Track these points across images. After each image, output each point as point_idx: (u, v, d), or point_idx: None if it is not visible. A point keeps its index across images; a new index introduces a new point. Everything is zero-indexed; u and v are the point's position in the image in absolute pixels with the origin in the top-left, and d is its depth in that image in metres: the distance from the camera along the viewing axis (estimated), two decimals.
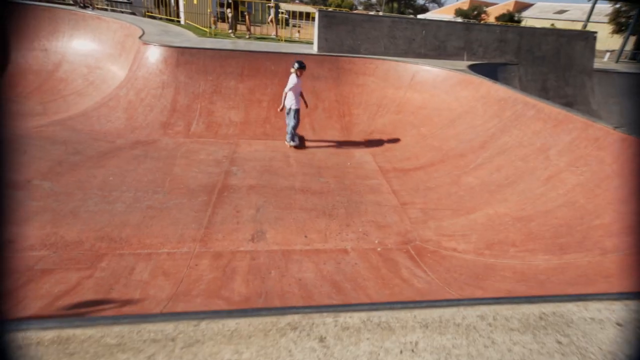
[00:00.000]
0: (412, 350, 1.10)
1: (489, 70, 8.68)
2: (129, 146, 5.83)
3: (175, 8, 13.57)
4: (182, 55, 7.57)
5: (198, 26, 11.36)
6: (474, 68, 8.26)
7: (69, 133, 6.15)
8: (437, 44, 9.15)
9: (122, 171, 4.96)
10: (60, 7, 11.32)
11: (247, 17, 10.74)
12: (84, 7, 11.97)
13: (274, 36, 11.30)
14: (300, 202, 4.61)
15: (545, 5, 46.23)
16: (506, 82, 8.76)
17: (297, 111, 6.23)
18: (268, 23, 11.86)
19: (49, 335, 0.97)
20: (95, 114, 7.02)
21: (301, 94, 6.37)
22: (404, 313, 1.26)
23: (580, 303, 1.41)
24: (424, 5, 47.93)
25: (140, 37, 8.20)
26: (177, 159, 5.52)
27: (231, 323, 1.09)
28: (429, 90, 7.48)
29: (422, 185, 5.17)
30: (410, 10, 44.29)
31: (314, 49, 8.95)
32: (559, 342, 1.18)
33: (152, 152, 5.70)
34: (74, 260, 3.23)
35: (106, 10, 13.44)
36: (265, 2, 13.34)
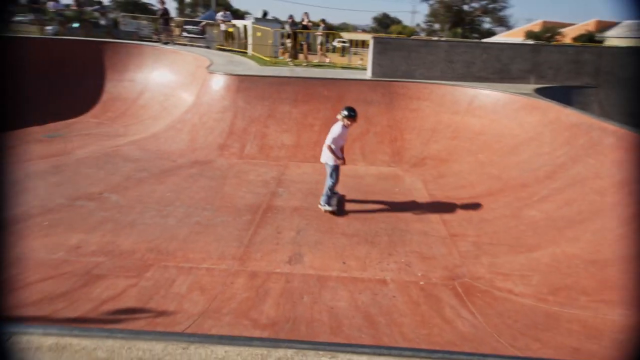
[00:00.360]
0: None
1: (561, 94, 7.92)
2: (188, 165, 6.27)
3: (244, 41, 14.78)
4: (242, 83, 8.11)
5: (261, 56, 12.18)
6: (542, 92, 7.61)
7: (140, 152, 6.83)
8: (499, 67, 8.65)
9: (178, 188, 5.32)
10: (147, 44, 12.98)
11: (304, 46, 11.27)
12: (166, 43, 13.56)
13: (328, 63, 11.66)
14: (342, 227, 4.50)
15: (634, 23, 41.64)
16: (583, 107, 7.90)
17: (336, 168, 4.83)
18: (319, 51, 12.28)
19: (48, 341, 1.01)
20: (163, 135, 7.74)
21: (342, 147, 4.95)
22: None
23: None
24: (490, 29, 46.16)
25: (207, 67, 8.99)
26: (228, 179, 5.80)
27: (220, 350, 1.03)
28: (488, 115, 7.02)
29: (477, 216, 4.75)
30: (476, 35, 42.92)
31: (368, 75, 9.01)
32: None
33: (207, 172, 6.06)
34: (124, 268, 3.46)
35: (185, 45, 15.06)
36: (318, 33, 13.93)
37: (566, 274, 3.37)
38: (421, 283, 3.50)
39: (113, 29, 15.20)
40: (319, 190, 5.50)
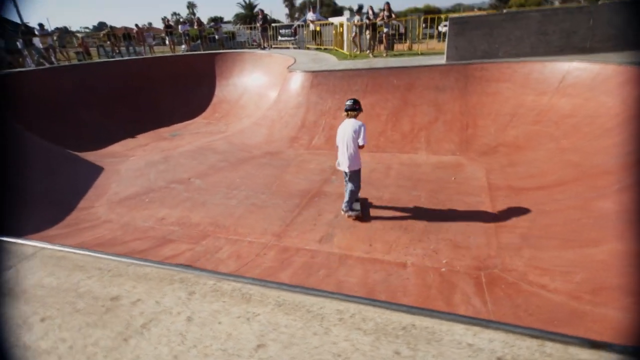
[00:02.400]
0: (248, 319, 1.20)
1: None
2: (260, 156, 7.14)
3: (333, 38, 15.39)
4: (315, 78, 8.66)
5: (342, 51, 12.57)
6: None
7: (226, 146, 8.03)
8: (613, 32, 7.13)
9: (247, 175, 6.17)
10: (247, 51, 14.72)
11: (384, 37, 11.19)
12: (263, 48, 15.12)
13: (408, 51, 11.29)
14: (381, 212, 4.62)
15: None
16: None
17: (359, 172, 4.53)
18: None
19: (56, 253, 1.62)
20: (248, 130, 8.87)
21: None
22: (275, 292, 1.32)
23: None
24: None
25: (288, 67, 9.83)
26: (290, 167, 6.41)
27: (147, 269, 1.48)
28: (582, 94, 5.97)
29: (536, 207, 4.26)
30: None
31: (443, 60, 8.53)
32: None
33: (275, 161, 6.80)
34: (189, 236, 4.35)
35: (279, 48, 16.49)
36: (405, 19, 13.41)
37: (619, 273, 2.87)
38: (442, 270, 3.44)
39: (225, 41, 17.58)
40: (371, 178, 5.67)
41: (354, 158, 4.39)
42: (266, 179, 5.97)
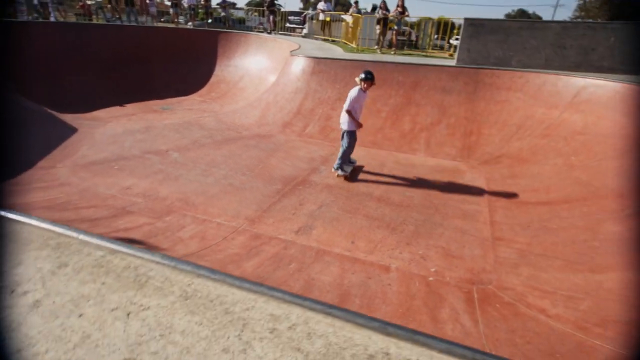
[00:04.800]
0: (128, 314, 0.76)
1: None
2: (248, 137, 6.66)
3: (343, 30, 14.92)
4: (317, 65, 8.19)
5: (348, 43, 12.11)
6: None
7: (215, 123, 7.53)
8: (635, 54, 6.79)
9: (230, 154, 5.69)
10: (252, 34, 14.19)
11: (394, 34, 10.76)
12: (269, 32, 14.60)
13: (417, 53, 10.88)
14: (368, 210, 4.18)
15: None
16: None
17: (353, 134, 4.87)
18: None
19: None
20: (240, 111, 8.38)
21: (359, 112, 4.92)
22: (186, 278, 0.88)
23: None
24: None
25: (292, 51, 9.34)
26: (277, 152, 5.95)
27: (21, 226, 1.04)
28: (597, 111, 5.60)
29: (538, 223, 3.85)
30: None
31: (454, 61, 8.12)
32: None
33: (263, 144, 6.33)
34: (152, 210, 3.86)
35: (286, 34, 15.97)
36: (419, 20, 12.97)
37: (632, 305, 2.47)
38: (430, 279, 3.01)
39: (232, 22, 17.03)
40: (361, 174, 5.23)
41: (344, 117, 4.82)
42: (250, 160, 5.49)
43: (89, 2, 16.97)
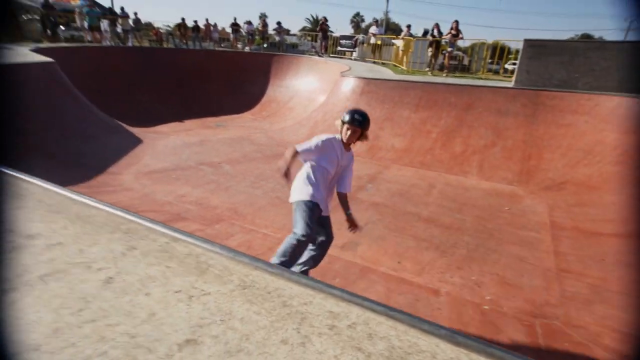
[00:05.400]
0: (190, 297, 0.74)
1: None
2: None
3: (393, 53, 15.04)
4: (367, 86, 8.26)
5: (398, 65, 12.12)
6: None
7: (265, 139, 7.81)
8: None
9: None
10: (304, 56, 14.78)
11: (446, 57, 10.59)
12: (320, 55, 15.11)
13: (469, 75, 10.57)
14: (416, 230, 4.01)
15: None
16: None
17: (304, 205, 2.28)
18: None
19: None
20: (290, 129, 8.63)
21: (337, 179, 2.60)
22: (244, 269, 0.86)
23: None
24: None
25: (342, 72, 9.54)
26: None
27: (94, 211, 1.10)
28: None
29: (613, 257, 3.43)
30: None
31: (512, 83, 7.76)
32: None
33: None
34: (203, 218, 4.02)
35: (337, 57, 16.42)
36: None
37: None
38: (485, 307, 2.78)
39: (285, 46, 17.95)
40: (410, 193, 5.09)
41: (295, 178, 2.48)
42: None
43: (161, 30, 18.88)
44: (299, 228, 2.19)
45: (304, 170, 2.46)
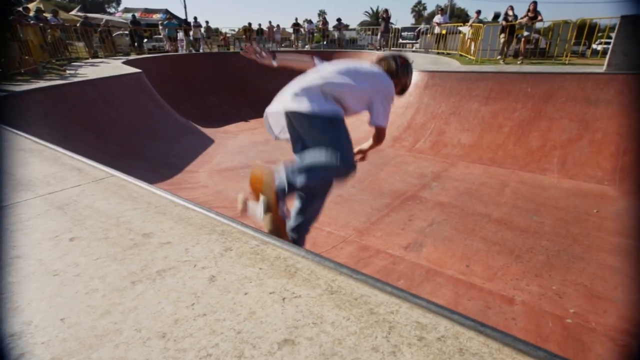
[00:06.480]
0: (284, 299, 0.81)
1: None
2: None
3: (459, 43, 14.19)
4: (431, 79, 7.94)
5: (465, 55, 11.39)
6: None
7: None
8: None
9: None
10: (364, 51, 14.62)
11: (522, 41, 9.68)
12: (379, 49, 14.82)
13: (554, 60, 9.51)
14: (486, 232, 3.80)
15: None
16: None
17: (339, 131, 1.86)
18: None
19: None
20: (350, 125, 8.63)
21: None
22: (330, 274, 0.91)
23: None
24: None
25: None
26: (387, 166, 5.91)
27: (193, 213, 1.25)
28: None
29: None
30: None
31: (603, 68, 6.86)
32: None
33: (372, 158, 6.31)
34: None
35: (400, 49, 15.97)
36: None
37: None
38: (568, 321, 2.55)
39: (345, 42, 17.96)
40: (479, 193, 4.82)
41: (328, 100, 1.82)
42: (359, 173, 5.51)
43: (228, 35, 20.08)
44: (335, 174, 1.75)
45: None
